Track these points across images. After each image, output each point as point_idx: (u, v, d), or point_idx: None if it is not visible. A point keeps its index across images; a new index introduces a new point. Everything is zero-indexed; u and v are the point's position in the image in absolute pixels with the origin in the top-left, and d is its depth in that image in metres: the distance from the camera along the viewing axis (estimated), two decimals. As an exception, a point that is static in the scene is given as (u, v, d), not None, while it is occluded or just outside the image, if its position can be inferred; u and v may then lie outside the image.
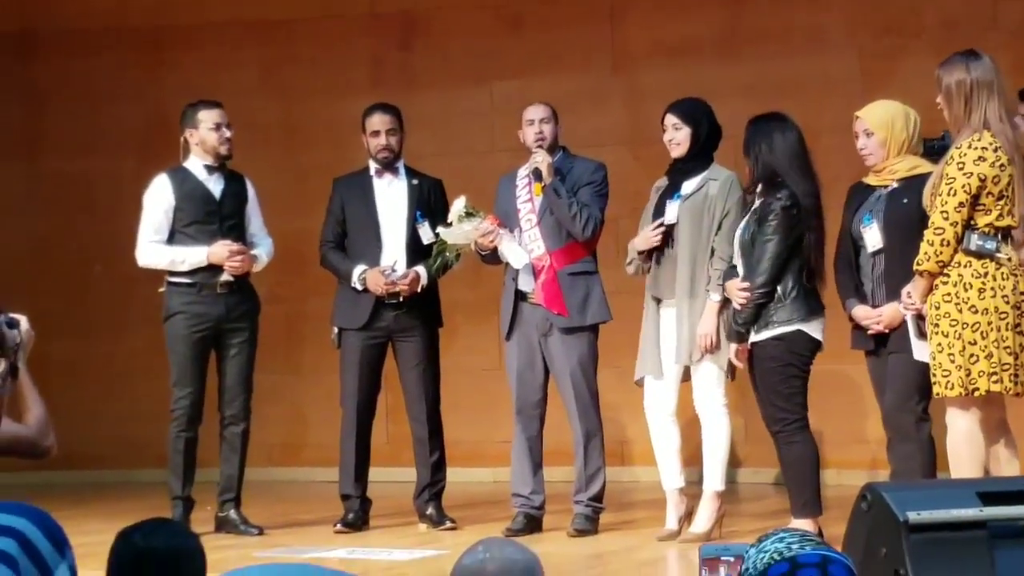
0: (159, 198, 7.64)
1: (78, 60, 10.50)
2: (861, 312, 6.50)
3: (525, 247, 7.34)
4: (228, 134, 7.67)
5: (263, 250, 7.76)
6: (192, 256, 7.55)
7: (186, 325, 7.56)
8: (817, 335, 6.69)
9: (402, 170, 7.78)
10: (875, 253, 6.52)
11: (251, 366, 7.69)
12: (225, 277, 7.55)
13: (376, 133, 7.72)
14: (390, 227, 7.69)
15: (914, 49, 8.76)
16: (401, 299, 7.61)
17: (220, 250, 7.54)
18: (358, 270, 7.63)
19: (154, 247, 7.61)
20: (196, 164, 7.70)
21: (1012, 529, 4.92)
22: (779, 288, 6.66)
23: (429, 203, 7.74)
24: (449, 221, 7.41)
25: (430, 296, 7.72)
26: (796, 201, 6.65)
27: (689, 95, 7.28)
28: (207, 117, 7.67)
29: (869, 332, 6.48)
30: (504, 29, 9.86)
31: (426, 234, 7.68)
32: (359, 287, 7.61)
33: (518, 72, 9.62)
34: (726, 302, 6.87)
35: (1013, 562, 4.88)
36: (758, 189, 6.76)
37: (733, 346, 6.78)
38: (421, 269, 7.64)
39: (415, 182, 7.76)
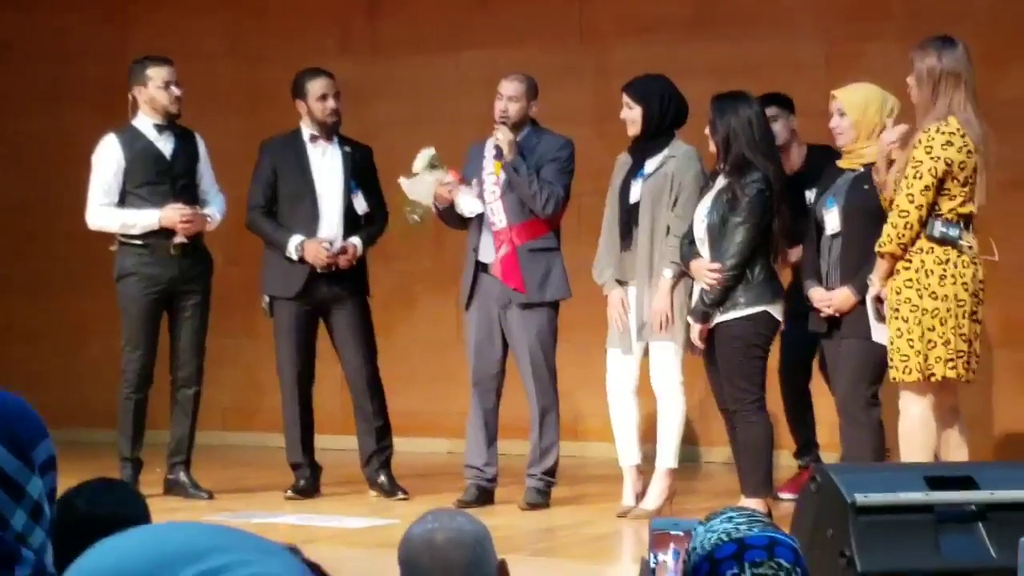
0: (108, 159, 7.55)
1: (42, 17, 10.42)
2: (815, 294, 6.53)
3: (488, 219, 7.32)
4: (178, 92, 7.58)
5: (215, 208, 7.69)
6: (143, 219, 7.49)
7: (139, 287, 7.50)
8: (780, 317, 6.72)
9: (335, 137, 7.68)
10: (833, 236, 6.54)
11: (204, 329, 7.65)
12: (178, 239, 7.50)
13: (324, 97, 7.61)
14: (327, 196, 7.60)
15: (881, 34, 8.77)
16: (334, 268, 7.55)
17: (172, 214, 7.47)
18: (294, 240, 7.53)
19: (104, 210, 7.54)
20: (145, 123, 7.61)
21: (958, 514, 4.96)
22: (748, 270, 6.68)
23: (362, 172, 7.66)
24: (414, 171, 7.35)
25: (360, 266, 7.67)
26: (769, 184, 6.66)
27: (655, 73, 7.27)
28: (156, 74, 7.57)
29: (821, 315, 6.51)
30: None
31: (360, 204, 7.62)
32: (295, 258, 7.54)
33: (486, 43, 9.59)
34: (681, 279, 6.90)
35: (957, 546, 4.91)
36: (725, 169, 6.76)
37: (695, 326, 6.79)
38: (357, 240, 7.59)
39: (348, 150, 7.68)
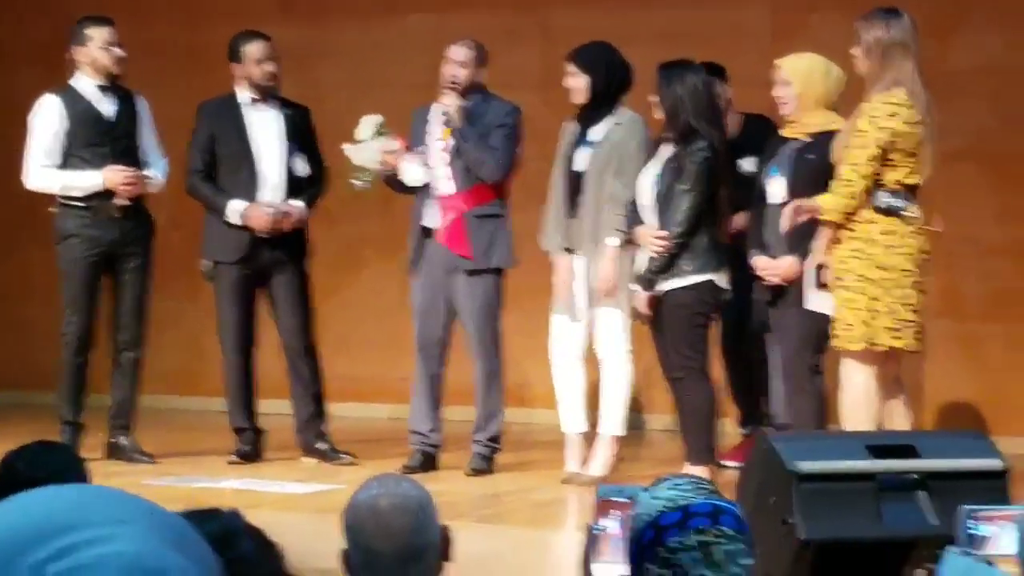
0: (48, 120, 7.47)
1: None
2: (760, 263, 6.55)
3: (434, 184, 7.30)
4: (120, 53, 7.50)
5: (157, 171, 7.62)
6: (85, 181, 7.42)
7: (80, 249, 7.44)
8: (725, 285, 6.74)
9: (273, 99, 7.62)
10: (777, 206, 6.56)
11: (146, 292, 7.59)
12: (120, 201, 7.43)
13: (262, 60, 7.56)
14: (267, 160, 7.55)
15: (825, 4, 8.78)
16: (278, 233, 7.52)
17: (114, 175, 7.41)
18: (233, 205, 7.48)
19: (45, 171, 7.47)
20: (86, 84, 7.53)
21: (899, 482, 5.01)
22: (693, 238, 6.69)
23: (301, 133, 7.62)
24: (359, 138, 7.32)
25: (300, 230, 7.63)
26: (715, 152, 6.67)
27: (599, 40, 7.26)
28: (97, 35, 7.49)
29: (766, 284, 6.54)
30: (420, -39, 9.77)
31: (301, 167, 7.58)
32: (235, 222, 7.49)
33: (431, 7, 9.54)
34: (627, 247, 6.91)
35: (898, 514, 4.96)
36: (672, 137, 6.77)
37: (640, 293, 6.79)
38: (301, 203, 7.56)
39: (288, 112, 7.63)
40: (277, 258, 7.56)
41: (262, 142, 7.55)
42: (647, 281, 6.75)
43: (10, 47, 10.22)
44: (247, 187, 7.50)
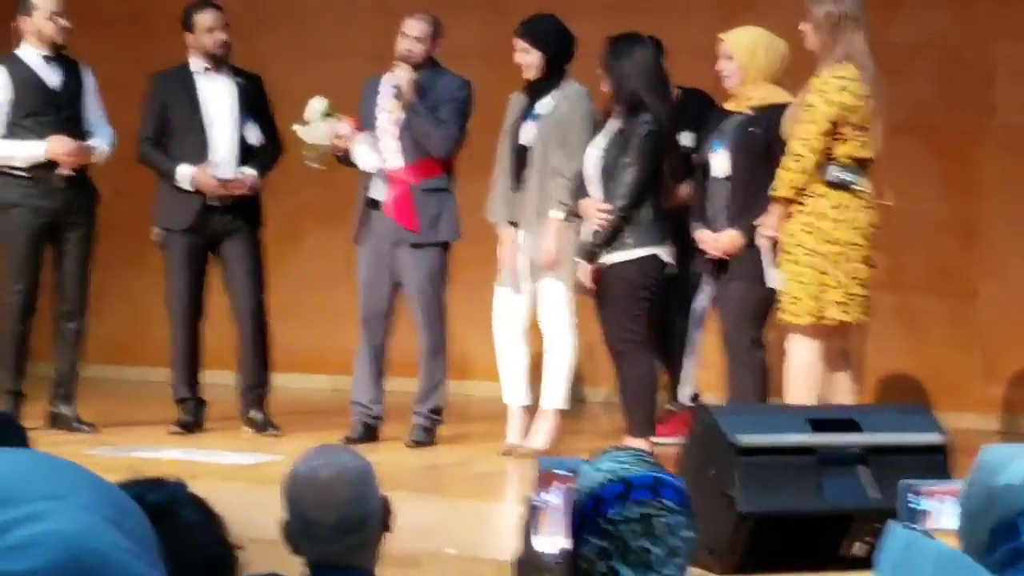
0: None
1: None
2: (701, 236, 6.57)
3: (381, 155, 7.28)
4: (64, 23, 7.46)
5: (103, 140, 7.58)
6: (28, 151, 7.37)
7: (23, 218, 7.39)
8: (668, 259, 6.74)
9: (225, 68, 7.61)
10: (720, 179, 6.57)
11: (88, 261, 7.55)
12: (63, 171, 7.38)
13: (212, 29, 7.53)
14: (218, 127, 7.53)
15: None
16: (227, 202, 7.48)
17: (57, 146, 7.36)
18: (183, 169, 7.45)
19: None
20: (30, 53, 7.48)
21: (840, 456, 5.04)
22: (636, 211, 6.69)
23: (254, 102, 7.60)
24: (306, 120, 7.31)
25: (253, 198, 7.61)
26: (660, 126, 6.67)
27: (546, 11, 7.24)
28: (43, 5, 7.44)
29: (707, 256, 6.55)
30: (365, -71, 9.71)
31: (254, 134, 7.56)
32: (187, 187, 7.46)
33: (378, -24, 9.49)
34: (570, 219, 6.91)
35: (839, 487, 4.99)
36: (618, 110, 6.77)
37: (583, 265, 6.79)
38: (254, 171, 7.53)
39: (240, 81, 7.61)
40: (229, 225, 7.54)
41: (214, 111, 7.53)
42: (590, 254, 6.75)
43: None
44: (198, 155, 7.48)
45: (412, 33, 7.31)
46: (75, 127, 7.49)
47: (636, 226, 6.70)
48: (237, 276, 7.57)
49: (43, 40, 7.46)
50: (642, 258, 6.71)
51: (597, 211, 6.73)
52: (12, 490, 2.06)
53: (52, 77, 7.49)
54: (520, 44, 7.10)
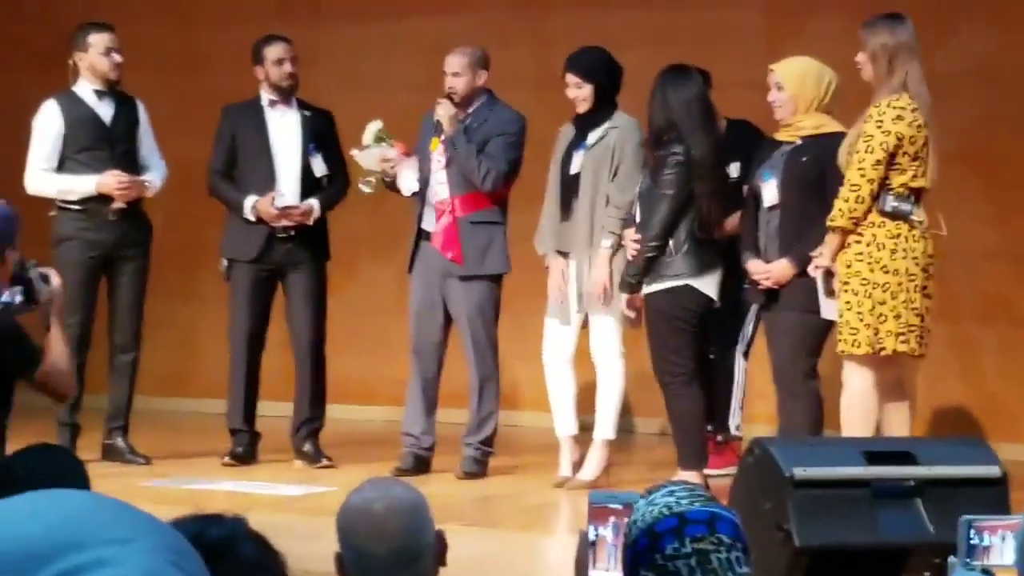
0: (48, 124, 7.52)
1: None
2: (753, 266, 6.55)
3: (432, 188, 7.30)
4: (118, 59, 7.56)
5: (156, 175, 7.66)
6: (81, 185, 7.45)
7: (77, 252, 7.47)
8: (707, 290, 6.71)
9: (294, 102, 7.70)
10: (770, 208, 6.56)
11: (143, 294, 7.61)
12: (117, 204, 7.46)
13: (280, 61, 7.63)
14: (284, 159, 7.62)
15: (821, 6, 8.78)
16: (292, 232, 7.54)
17: (109, 180, 7.44)
18: (249, 200, 7.53)
19: (43, 175, 7.50)
20: (86, 88, 7.58)
21: (895, 489, 4.99)
22: (671, 242, 6.68)
23: (321, 135, 7.67)
24: (363, 144, 7.37)
25: (321, 230, 7.67)
26: (688, 155, 6.66)
27: (594, 43, 7.26)
28: (97, 41, 7.54)
29: (759, 287, 6.54)
30: (413, -36, 9.76)
31: (319, 167, 7.63)
32: (251, 218, 7.53)
33: (424, 9, 9.54)
34: (619, 250, 6.91)
35: (894, 521, 4.95)
36: (653, 141, 6.79)
37: (624, 297, 6.81)
38: (315, 201, 7.59)
39: (307, 114, 7.69)
40: (295, 256, 7.60)
41: (280, 142, 7.62)
42: (626, 284, 6.77)
43: (15, 52, 10.19)
44: (265, 186, 7.56)
45: (450, 69, 7.36)
46: (129, 161, 7.57)
47: (670, 257, 6.69)
48: (298, 308, 7.63)
49: (97, 76, 7.55)
50: (674, 288, 6.69)
51: (631, 242, 6.75)
52: (79, 534, 2.07)
53: (106, 112, 7.58)
54: (571, 79, 7.11)
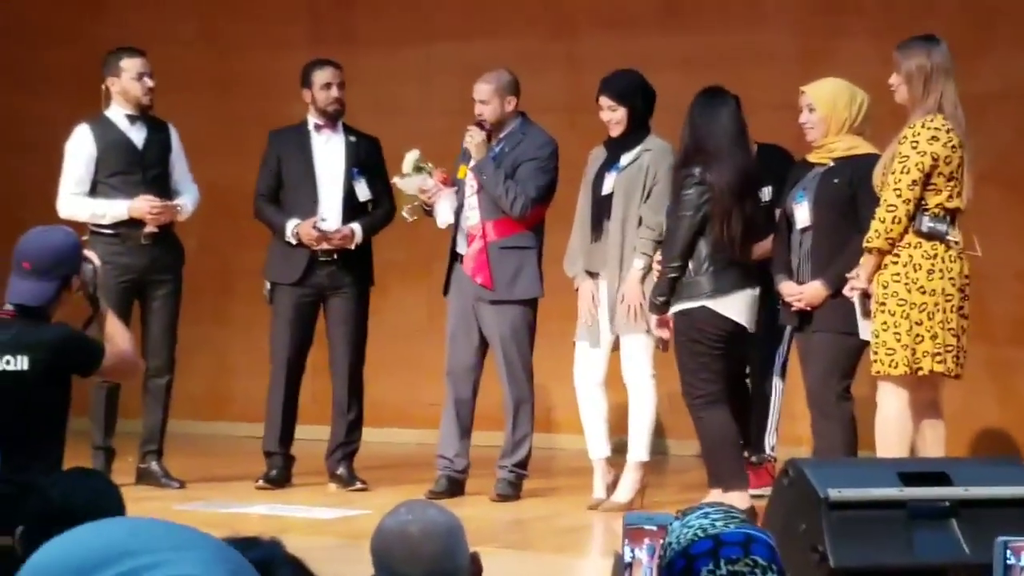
0: (80, 149, 7.57)
1: (15, 2, 10.35)
2: (785, 288, 6.54)
3: (464, 213, 7.33)
4: (150, 84, 7.61)
5: (188, 199, 7.70)
6: (113, 209, 7.49)
7: (110, 276, 7.45)
8: (729, 312, 6.65)
9: (340, 127, 7.74)
10: (803, 230, 6.55)
11: (176, 318, 7.64)
12: (149, 229, 7.49)
13: (328, 86, 7.67)
14: (327, 183, 7.65)
15: (852, 28, 8.79)
16: (335, 256, 7.58)
17: (141, 204, 7.47)
18: (291, 224, 7.58)
19: (75, 199, 7.54)
20: (118, 113, 7.63)
21: (931, 510, 4.97)
22: (691, 263, 6.68)
23: (365, 161, 7.70)
24: (404, 172, 7.39)
25: (364, 254, 7.70)
26: (706, 176, 6.64)
27: (626, 66, 7.27)
28: (130, 66, 7.59)
29: (792, 309, 6.52)
30: (444, -11, 9.80)
31: (362, 191, 7.66)
32: (293, 241, 7.57)
33: (456, 33, 9.57)
34: (650, 271, 6.93)
35: (930, 542, 4.93)
36: (680, 164, 6.81)
37: (651, 318, 6.82)
38: (356, 226, 7.62)
39: (353, 139, 7.73)
40: (337, 280, 7.63)
41: (324, 166, 7.66)
42: (653, 305, 6.78)
43: (50, 77, 10.26)
44: (308, 209, 7.59)
45: (478, 96, 7.38)
46: (162, 185, 7.60)
47: (688, 279, 6.68)
48: (339, 332, 7.65)
49: (129, 100, 7.60)
50: (691, 310, 6.67)
51: (656, 263, 6.77)
52: (137, 543, 2.09)
53: (138, 136, 7.62)
54: (605, 102, 7.12)
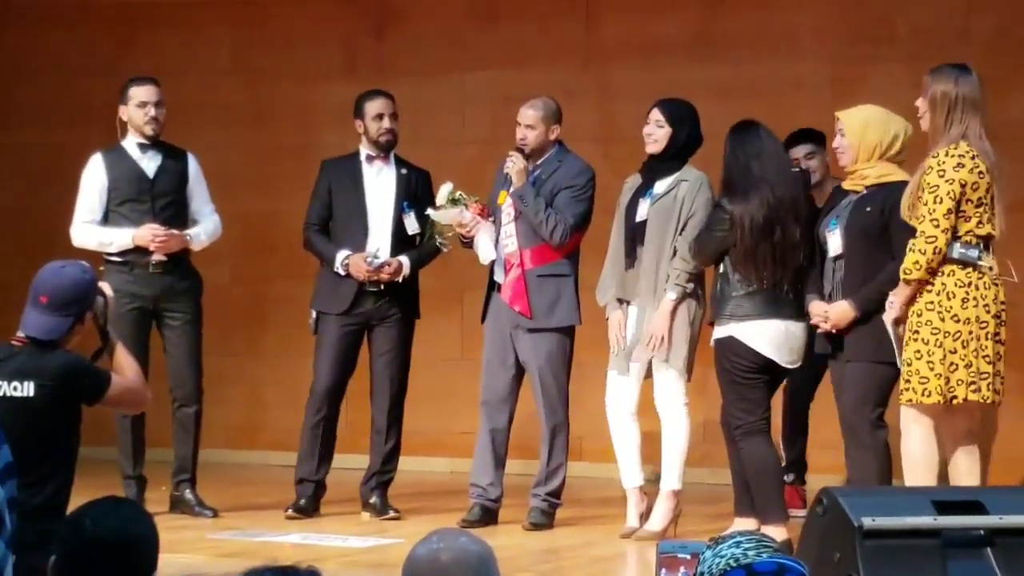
0: (92, 178, 7.58)
1: (49, 32, 10.43)
2: (814, 307, 6.52)
3: (502, 241, 7.34)
4: (154, 112, 7.57)
5: (203, 228, 7.66)
6: (118, 238, 7.49)
7: (120, 304, 7.48)
8: (755, 344, 6.64)
9: (392, 158, 7.75)
10: (836, 258, 6.53)
11: (197, 347, 7.61)
12: (157, 257, 7.48)
13: (380, 116, 7.68)
14: (377, 215, 7.65)
15: (885, 57, 8.78)
16: (382, 287, 7.58)
17: (144, 232, 7.46)
18: (341, 255, 7.57)
19: (85, 227, 7.56)
20: (131, 142, 7.63)
21: (965, 538, 4.94)
22: (721, 283, 6.70)
23: (416, 194, 7.70)
24: (438, 204, 7.40)
25: (410, 286, 7.69)
26: (728, 206, 6.67)
27: (662, 96, 7.27)
28: (136, 94, 7.59)
29: (818, 331, 6.50)
30: (478, 20, 9.83)
31: (411, 224, 7.65)
32: (342, 272, 7.57)
33: (490, 64, 9.60)
34: (684, 301, 6.94)
35: (965, 571, 4.90)
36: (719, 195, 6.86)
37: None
38: (405, 259, 7.61)
39: (404, 171, 7.72)
40: (384, 311, 7.63)
41: (375, 198, 7.66)
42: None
43: (85, 106, 10.32)
44: (357, 240, 7.59)
45: (524, 121, 7.39)
46: (174, 214, 7.57)
47: (719, 294, 6.71)
48: (382, 361, 7.65)
49: (135, 128, 7.60)
50: (720, 341, 6.72)
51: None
52: None
53: (149, 165, 7.60)
54: (655, 116, 7.11)
